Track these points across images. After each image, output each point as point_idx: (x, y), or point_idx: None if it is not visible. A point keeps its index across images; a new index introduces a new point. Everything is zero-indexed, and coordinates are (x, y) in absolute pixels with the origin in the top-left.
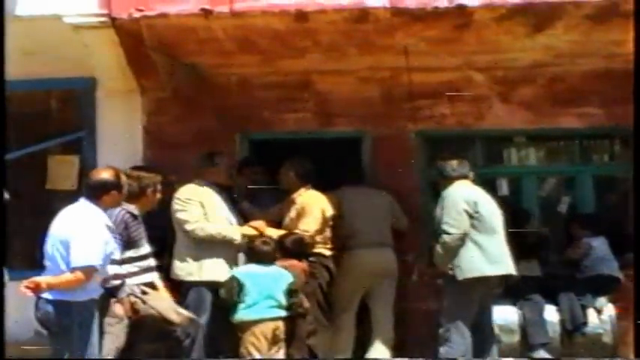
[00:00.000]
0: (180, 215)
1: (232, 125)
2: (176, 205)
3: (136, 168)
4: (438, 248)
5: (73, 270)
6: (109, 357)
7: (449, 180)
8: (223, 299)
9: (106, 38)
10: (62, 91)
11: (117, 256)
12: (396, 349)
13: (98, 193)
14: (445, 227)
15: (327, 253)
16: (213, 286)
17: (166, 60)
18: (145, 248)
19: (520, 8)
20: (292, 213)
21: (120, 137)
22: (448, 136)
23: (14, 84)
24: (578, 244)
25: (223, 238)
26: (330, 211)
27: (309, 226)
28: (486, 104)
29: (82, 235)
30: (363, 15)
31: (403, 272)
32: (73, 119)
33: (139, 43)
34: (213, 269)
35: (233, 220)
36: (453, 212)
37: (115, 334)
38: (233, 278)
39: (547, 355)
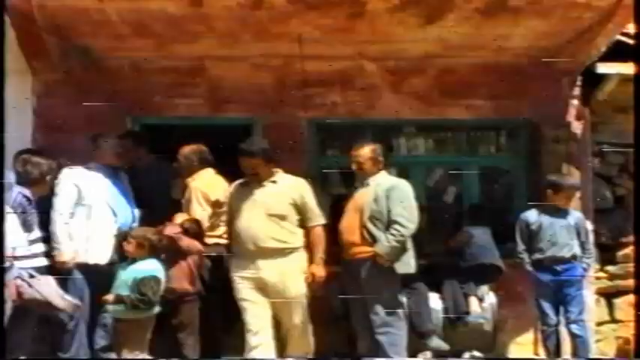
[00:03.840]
0: (53, 199)
1: (124, 109)
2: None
3: (25, 151)
4: (392, 241)
5: None
6: None
7: (378, 167)
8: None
9: None
10: None
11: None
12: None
13: None
14: (402, 221)
15: (210, 241)
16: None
17: (58, 42)
18: (36, 233)
19: (413, 0)
20: (186, 197)
21: (9, 119)
22: (339, 124)
23: None
24: (459, 233)
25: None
26: (220, 198)
27: (195, 213)
28: (377, 94)
29: None
30: (258, 1)
31: None
32: None
33: (30, 23)
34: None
35: (119, 205)
36: (407, 205)
37: None
38: (155, 279)
39: (441, 343)
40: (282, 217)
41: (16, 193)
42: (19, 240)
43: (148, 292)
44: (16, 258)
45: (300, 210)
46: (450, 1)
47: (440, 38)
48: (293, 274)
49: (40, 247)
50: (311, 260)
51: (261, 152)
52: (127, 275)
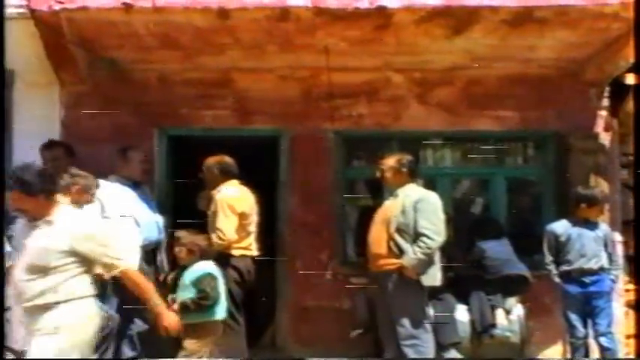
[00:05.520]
0: None
1: (150, 121)
2: None
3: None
4: (418, 254)
5: None
6: None
7: (405, 178)
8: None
9: (25, 30)
10: None
11: None
12: (307, 345)
13: None
14: (429, 233)
15: (236, 252)
16: None
17: (86, 54)
18: None
19: (439, 11)
20: (212, 209)
21: (37, 131)
22: (365, 136)
23: None
24: (473, 249)
25: None
26: (246, 209)
27: (222, 224)
28: (404, 105)
29: None
30: (284, 13)
31: (317, 271)
32: None
33: (58, 36)
34: None
35: (143, 217)
36: (435, 218)
37: None
38: (211, 275)
39: (458, 355)
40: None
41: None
42: None
43: (206, 288)
44: None
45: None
46: (477, 12)
47: (466, 49)
48: None
49: None
50: None
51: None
52: (183, 281)
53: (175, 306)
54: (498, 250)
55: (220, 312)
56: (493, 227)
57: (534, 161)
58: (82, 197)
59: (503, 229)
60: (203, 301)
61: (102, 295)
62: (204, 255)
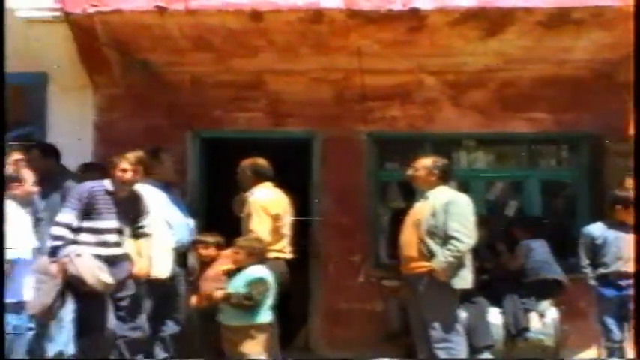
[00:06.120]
0: None
1: (183, 123)
2: None
3: (85, 165)
4: (448, 257)
5: None
6: (33, 311)
7: (437, 180)
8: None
9: (60, 33)
10: (14, 85)
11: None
12: (340, 348)
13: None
14: (459, 236)
15: (270, 255)
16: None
17: (120, 56)
18: (105, 223)
19: (473, 13)
20: (245, 211)
21: (71, 133)
22: (398, 138)
23: None
24: (518, 247)
25: None
26: (280, 212)
27: (255, 226)
28: (437, 107)
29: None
30: (318, 16)
31: (350, 273)
32: (23, 114)
33: (92, 38)
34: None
35: (174, 219)
36: (465, 221)
37: (44, 291)
38: (263, 280)
39: (490, 356)
40: None
41: (92, 184)
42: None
43: (252, 291)
44: (76, 242)
45: None
46: (512, 14)
47: (500, 51)
48: None
49: (108, 238)
50: None
51: None
52: (238, 282)
53: (220, 292)
54: (541, 252)
55: (268, 315)
56: (537, 227)
57: (568, 163)
58: None
59: (546, 229)
60: (246, 301)
61: (135, 297)
62: (260, 258)
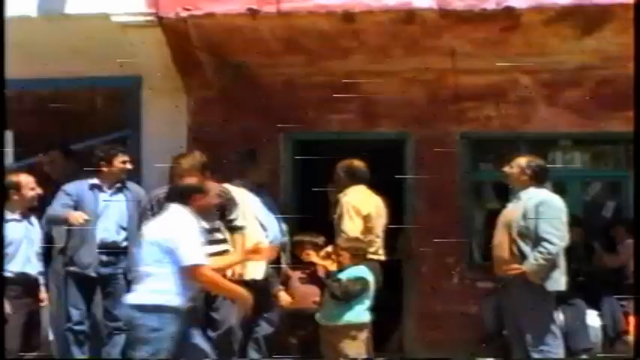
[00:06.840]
0: None
1: (276, 125)
2: None
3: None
4: (539, 259)
5: (183, 269)
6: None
7: (530, 181)
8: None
9: (153, 37)
10: (108, 89)
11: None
12: (434, 349)
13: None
14: (550, 238)
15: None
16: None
17: (212, 59)
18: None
19: (569, 11)
20: (337, 212)
21: (165, 136)
22: (493, 138)
23: (61, 82)
24: (621, 247)
25: None
26: (372, 212)
27: (347, 227)
28: (532, 107)
29: (185, 237)
30: (410, 16)
31: (444, 275)
32: (118, 118)
33: (185, 42)
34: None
35: (268, 220)
36: (557, 222)
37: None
38: (364, 280)
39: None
40: None
41: None
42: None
43: (348, 285)
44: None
45: None
46: (609, 11)
47: (597, 49)
48: None
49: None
50: None
51: None
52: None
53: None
54: None
55: (367, 315)
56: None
57: None
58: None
59: None
60: (337, 292)
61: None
62: (364, 258)
